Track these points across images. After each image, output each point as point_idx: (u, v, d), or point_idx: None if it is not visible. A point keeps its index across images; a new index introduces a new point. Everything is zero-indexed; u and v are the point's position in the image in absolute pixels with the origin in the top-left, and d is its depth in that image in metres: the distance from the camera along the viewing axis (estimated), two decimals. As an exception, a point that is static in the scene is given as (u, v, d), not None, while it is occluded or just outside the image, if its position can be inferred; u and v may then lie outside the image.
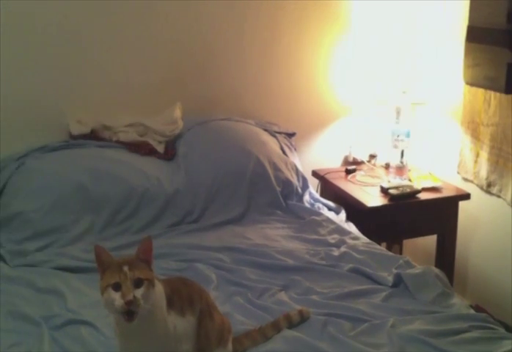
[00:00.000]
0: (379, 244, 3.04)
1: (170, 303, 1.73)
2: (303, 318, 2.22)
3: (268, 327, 2.13)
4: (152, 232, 2.96)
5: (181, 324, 1.75)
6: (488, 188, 3.36)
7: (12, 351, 2.05)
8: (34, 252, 2.75)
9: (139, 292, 1.58)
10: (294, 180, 3.38)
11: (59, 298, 2.38)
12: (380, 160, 3.80)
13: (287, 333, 2.13)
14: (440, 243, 3.58)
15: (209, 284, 2.45)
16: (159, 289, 1.71)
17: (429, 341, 2.07)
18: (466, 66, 3.20)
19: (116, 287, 1.58)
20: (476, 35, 3.10)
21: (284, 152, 3.51)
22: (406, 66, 3.46)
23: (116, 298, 1.58)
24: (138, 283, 1.59)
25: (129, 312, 1.59)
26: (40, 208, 2.89)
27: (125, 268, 1.59)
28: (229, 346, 1.91)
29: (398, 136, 3.50)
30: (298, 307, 2.26)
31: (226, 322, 1.94)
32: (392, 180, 3.52)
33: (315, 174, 3.77)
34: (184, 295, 1.80)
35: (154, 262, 2.57)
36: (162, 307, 1.69)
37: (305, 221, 3.16)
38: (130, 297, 1.56)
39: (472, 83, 3.23)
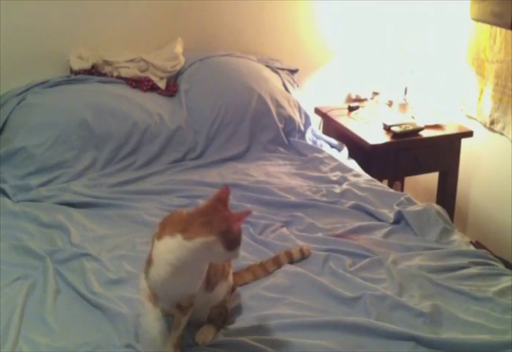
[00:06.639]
0: (381, 181, 3.05)
1: None
2: (303, 256, 2.24)
3: (268, 262, 2.16)
4: (155, 168, 2.98)
5: None
6: (491, 126, 3.35)
7: (17, 284, 2.07)
8: (37, 187, 2.76)
9: None
10: (296, 117, 3.36)
11: (62, 232, 2.40)
12: (383, 98, 3.77)
13: (288, 268, 2.16)
14: (442, 181, 3.58)
15: (211, 220, 2.46)
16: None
17: (429, 277, 2.10)
18: (473, 1, 3.14)
19: None
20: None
21: (286, 88, 3.48)
22: (410, 2, 3.40)
23: None
24: None
25: None
26: (43, 143, 2.89)
27: None
28: (230, 279, 1.93)
29: (402, 72, 3.47)
30: (300, 245, 2.29)
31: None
32: (394, 118, 3.50)
33: (317, 111, 3.74)
34: None
35: (156, 198, 2.57)
36: None
37: (307, 158, 3.16)
38: None
39: (478, 18, 3.19)
